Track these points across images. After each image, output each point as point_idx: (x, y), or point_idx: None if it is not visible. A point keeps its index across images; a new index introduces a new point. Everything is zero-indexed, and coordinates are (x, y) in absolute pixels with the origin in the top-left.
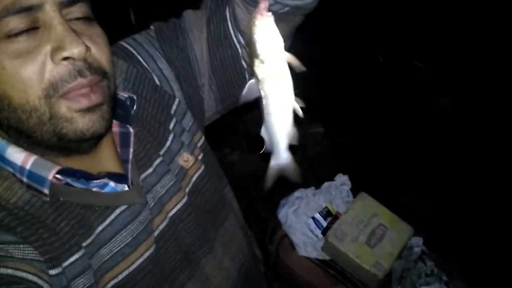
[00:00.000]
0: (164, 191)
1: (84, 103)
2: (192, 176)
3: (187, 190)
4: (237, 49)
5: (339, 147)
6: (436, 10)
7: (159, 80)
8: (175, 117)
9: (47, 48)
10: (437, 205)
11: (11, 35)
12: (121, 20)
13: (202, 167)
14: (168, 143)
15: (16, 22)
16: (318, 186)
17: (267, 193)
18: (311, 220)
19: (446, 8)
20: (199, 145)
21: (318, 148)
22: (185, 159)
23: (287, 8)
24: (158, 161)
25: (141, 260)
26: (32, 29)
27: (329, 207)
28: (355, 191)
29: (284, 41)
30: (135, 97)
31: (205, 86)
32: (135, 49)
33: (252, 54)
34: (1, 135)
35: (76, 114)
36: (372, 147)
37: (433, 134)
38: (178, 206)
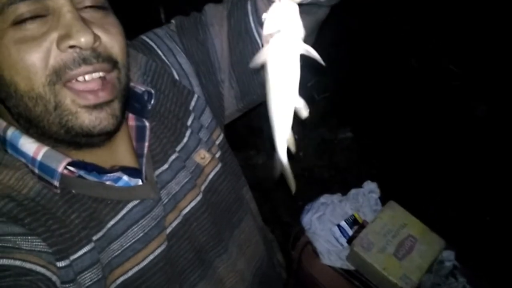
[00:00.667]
0: (178, 188)
1: (91, 100)
2: (209, 174)
3: (202, 188)
4: (258, 44)
5: (368, 153)
6: (473, 15)
7: (178, 75)
8: (194, 113)
9: (54, 35)
10: (471, 217)
11: (18, 22)
12: (151, 18)
13: (219, 165)
14: (185, 139)
15: (24, 9)
16: (345, 192)
17: (291, 198)
18: (336, 228)
19: (483, 13)
20: (217, 142)
21: (347, 154)
22: (202, 156)
23: (306, 1)
24: (173, 156)
25: (151, 257)
26: (40, 16)
27: (356, 215)
28: (384, 200)
29: (307, 36)
30: (152, 91)
31: (225, 82)
32: (155, 43)
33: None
34: (14, 125)
35: (81, 109)
36: (402, 154)
37: (467, 141)
38: (192, 203)
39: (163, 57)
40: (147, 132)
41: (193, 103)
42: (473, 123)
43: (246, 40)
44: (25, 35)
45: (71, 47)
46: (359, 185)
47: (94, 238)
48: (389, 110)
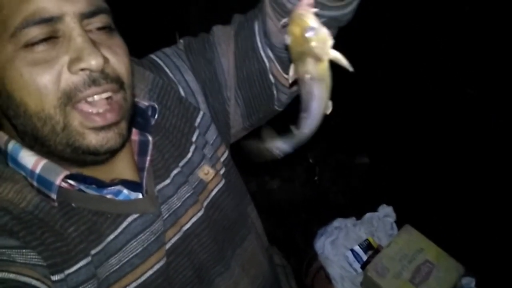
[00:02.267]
0: (180, 203)
1: (99, 122)
2: (212, 190)
3: (204, 204)
4: (264, 63)
5: (385, 178)
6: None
7: (184, 92)
8: (199, 129)
9: (65, 58)
10: (492, 242)
11: (30, 44)
12: (167, 42)
13: (223, 182)
14: (189, 155)
15: (35, 32)
16: (360, 216)
17: (307, 223)
18: (349, 253)
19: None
20: (222, 159)
21: (363, 179)
22: (206, 171)
23: (322, 20)
24: (175, 171)
25: (150, 272)
26: (51, 38)
27: (370, 240)
28: (400, 224)
29: None
30: (156, 106)
31: (231, 100)
32: (162, 61)
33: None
34: (15, 138)
35: (88, 130)
36: (419, 178)
37: (487, 166)
38: (193, 219)
39: (170, 74)
40: (150, 147)
41: (198, 119)
42: (492, 146)
43: (252, 59)
44: (37, 58)
45: (82, 69)
46: (375, 210)
47: (93, 252)
48: (406, 135)
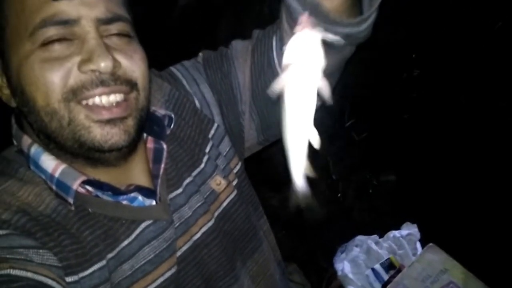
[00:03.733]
0: (191, 212)
1: (105, 115)
2: (224, 200)
3: (215, 214)
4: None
5: (411, 197)
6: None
7: (200, 104)
8: (212, 140)
9: (77, 58)
10: None
11: (46, 43)
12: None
13: (235, 192)
14: (202, 165)
15: (52, 32)
16: (382, 235)
17: (330, 241)
18: (370, 271)
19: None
20: (235, 171)
21: (389, 197)
22: (218, 182)
23: (337, 36)
24: (188, 180)
25: (161, 279)
26: (67, 39)
27: (392, 258)
28: (424, 243)
29: (333, 72)
30: (172, 115)
31: (245, 114)
32: (181, 73)
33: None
34: (37, 142)
35: (94, 124)
36: (447, 197)
37: None
38: (204, 229)
39: (187, 86)
40: (164, 154)
41: (212, 131)
42: None
43: (268, 74)
44: (50, 56)
45: (92, 70)
46: (399, 228)
47: (109, 256)
48: (433, 152)
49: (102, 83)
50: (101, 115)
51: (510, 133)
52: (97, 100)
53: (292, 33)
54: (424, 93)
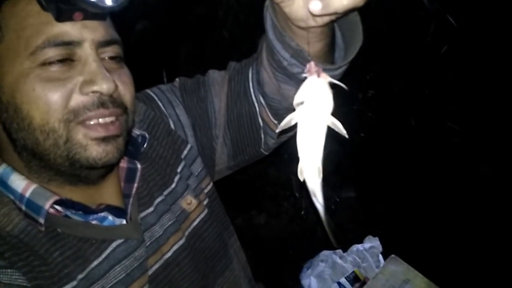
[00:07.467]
0: (162, 231)
1: (101, 132)
2: (194, 219)
3: (186, 233)
4: (255, 107)
5: (371, 212)
6: (470, 72)
7: (174, 125)
8: (185, 161)
9: (79, 79)
10: (480, 272)
11: (47, 63)
12: (154, 81)
13: (206, 212)
14: (173, 185)
15: (54, 53)
16: (346, 249)
17: (294, 259)
18: (336, 285)
19: (481, 69)
20: (206, 191)
21: (349, 213)
22: (188, 202)
23: None
24: (159, 199)
25: None
26: (67, 60)
27: (357, 272)
28: (386, 255)
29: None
30: (146, 135)
31: (219, 138)
32: (157, 96)
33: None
34: (6, 161)
35: (92, 142)
36: (406, 212)
37: (472, 199)
38: (175, 247)
39: (162, 108)
40: (138, 174)
41: (185, 152)
42: (477, 181)
43: (243, 102)
44: (51, 75)
45: (93, 92)
46: (360, 242)
47: (79, 276)
48: (392, 169)
49: (103, 104)
50: (98, 132)
51: (461, 149)
52: (94, 121)
53: (271, 70)
54: (379, 113)
